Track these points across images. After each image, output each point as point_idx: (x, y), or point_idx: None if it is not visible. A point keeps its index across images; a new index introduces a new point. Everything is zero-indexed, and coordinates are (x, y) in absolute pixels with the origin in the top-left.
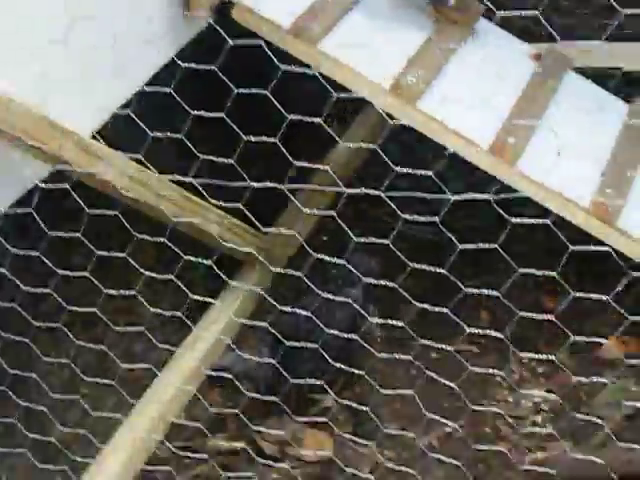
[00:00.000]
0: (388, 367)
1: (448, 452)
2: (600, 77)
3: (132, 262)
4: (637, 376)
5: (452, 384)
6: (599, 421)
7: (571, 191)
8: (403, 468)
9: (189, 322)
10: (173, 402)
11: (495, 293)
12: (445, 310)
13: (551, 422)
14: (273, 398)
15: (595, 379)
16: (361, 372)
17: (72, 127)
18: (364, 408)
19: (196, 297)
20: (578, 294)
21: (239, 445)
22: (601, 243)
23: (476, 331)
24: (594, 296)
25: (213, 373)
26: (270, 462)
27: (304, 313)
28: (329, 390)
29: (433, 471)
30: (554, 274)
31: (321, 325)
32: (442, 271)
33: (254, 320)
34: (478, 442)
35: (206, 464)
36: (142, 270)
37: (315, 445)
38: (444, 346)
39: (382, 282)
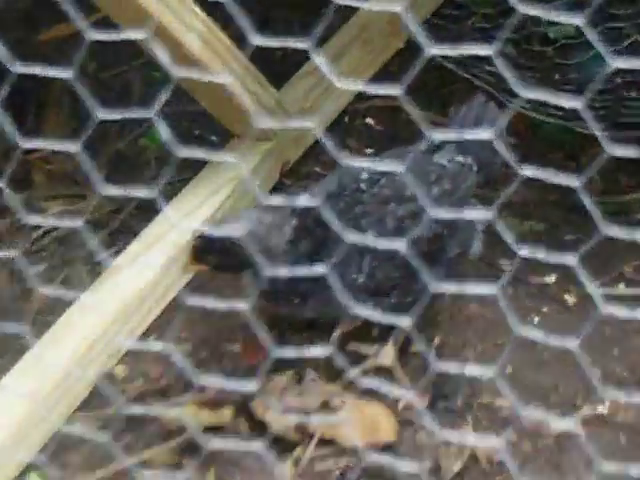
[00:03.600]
0: (485, 310)
1: (602, 442)
2: None
3: None
4: None
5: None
6: None
7: None
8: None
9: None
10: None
11: None
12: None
13: None
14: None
15: None
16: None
17: None
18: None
19: None
20: None
21: (225, 415)
22: None
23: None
24: None
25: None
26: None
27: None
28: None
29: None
30: None
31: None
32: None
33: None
34: None
35: (162, 446)
36: None
37: (363, 424)
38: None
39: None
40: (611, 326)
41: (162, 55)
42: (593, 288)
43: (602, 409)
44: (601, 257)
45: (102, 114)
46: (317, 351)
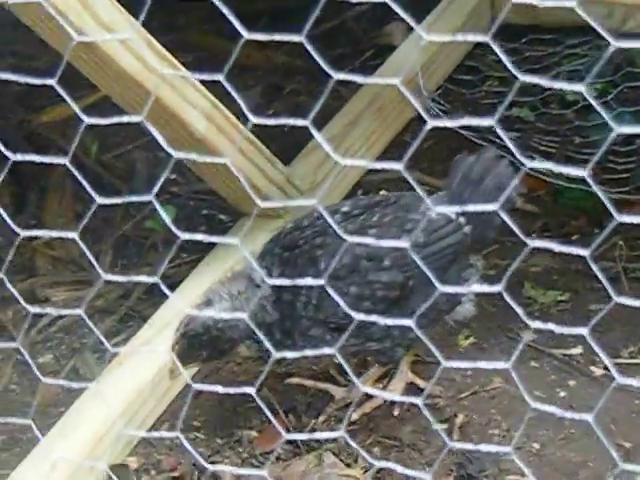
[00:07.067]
0: (509, 385)
1: None
2: None
3: None
4: None
5: None
6: None
7: None
8: None
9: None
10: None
11: None
12: None
13: None
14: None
15: None
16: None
17: None
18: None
19: None
20: None
21: None
22: None
23: None
24: None
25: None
26: None
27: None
28: None
29: None
30: None
31: None
32: None
33: None
34: None
35: None
36: None
37: None
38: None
39: None
40: None
41: (159, 136)
42: (608, 360)
43: None
44: (631, 324)
45: (101, 199)
46: (331, 434)
